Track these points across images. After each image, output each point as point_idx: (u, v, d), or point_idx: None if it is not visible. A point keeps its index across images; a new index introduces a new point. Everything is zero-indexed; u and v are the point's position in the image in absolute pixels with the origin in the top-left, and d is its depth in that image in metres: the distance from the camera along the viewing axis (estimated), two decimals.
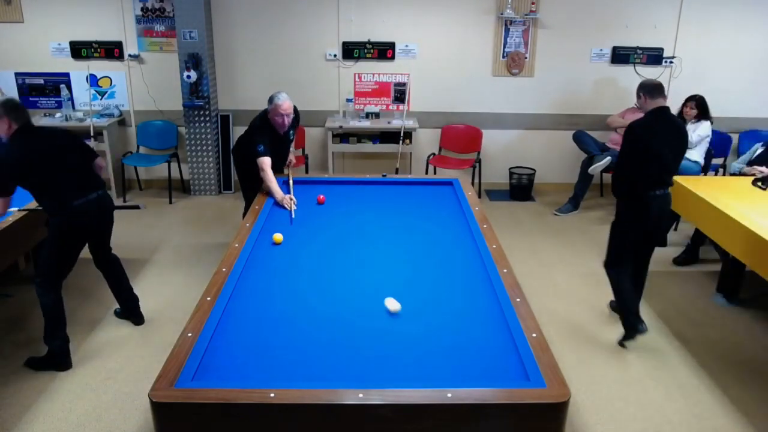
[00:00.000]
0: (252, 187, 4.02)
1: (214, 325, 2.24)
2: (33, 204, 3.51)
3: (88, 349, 3.41)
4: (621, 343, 3.53)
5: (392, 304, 2.40)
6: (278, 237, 3.04)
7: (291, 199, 3.61)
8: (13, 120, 3.03)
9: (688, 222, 4.28)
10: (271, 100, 3.94)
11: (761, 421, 2.90)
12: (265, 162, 3.81)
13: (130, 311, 3.67)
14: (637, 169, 3.32)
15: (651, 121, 3.36)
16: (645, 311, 3.89)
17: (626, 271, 3.51)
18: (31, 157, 3.03)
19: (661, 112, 3.37)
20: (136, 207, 4.11)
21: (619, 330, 3.59)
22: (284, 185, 3.87)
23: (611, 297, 3.99)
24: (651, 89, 3.41)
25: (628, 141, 3.36)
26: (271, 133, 4.02)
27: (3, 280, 4.09)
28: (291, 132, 4.25)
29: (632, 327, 3.49)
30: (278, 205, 3.64)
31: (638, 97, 3.50)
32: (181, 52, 5.59)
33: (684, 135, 3.42)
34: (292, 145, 4.47)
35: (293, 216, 3.46)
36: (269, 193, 3.75)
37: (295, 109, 4.10)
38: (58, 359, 3.22)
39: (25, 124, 3.06)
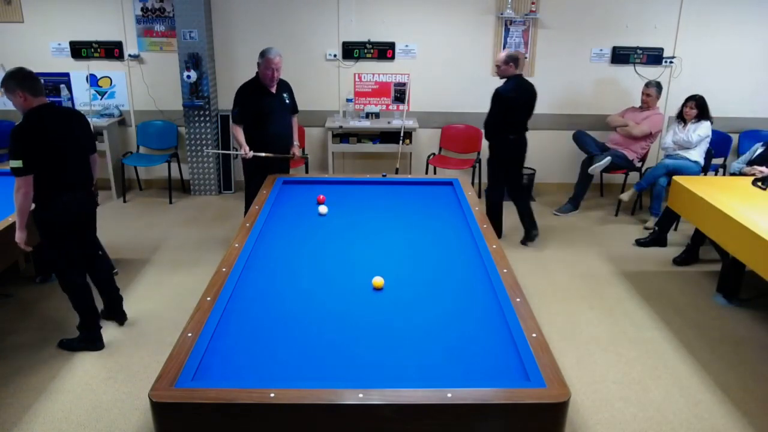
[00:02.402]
0: (256, 178, 4.18)
1: (214, 325, 2.24)
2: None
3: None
4: (523, 242, 4.97)
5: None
6: (378, 282, 2.62)
7: (247, 152, 4.21)
8: (28, 93, 2.98)
9: (688, 222, 4.28)
10: (262, 54, 4.18)
11: (761, 421, 2.90)
12: (236, 128, 4.31)
13: (113, 310, 3.63)
14: (506, 120, 4.63)
15: (515, 86, 4.61)
16: (645, 310, 3.89)
17: (502, 191, 4.91)
18: (41, 137, 2.97)
19: (520, 77, 4.67)
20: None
21: (614, 328, 3.62)
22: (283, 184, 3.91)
23: (611, 295, 4.08)
24: (517, 60, 4.61)
25: (499, 102, 4.60)
26: (257, 95, 4.24)
27: (3, 280, 4.09)
28: (285, 96, 4.40)
29: (529, 233, 4.96)
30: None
31: (506, 64, 4.59)
32: (181, 52, 5.60)
33: (534, 93, 4.69)
34: (296, 136, 4.56)
35: (235, 157, 4.27)
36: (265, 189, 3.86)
37: (287, 83, 4.45)
38: (90, 344, 3.37)
39: (42, 103, 3.03)
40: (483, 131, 4.89)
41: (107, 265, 3.65)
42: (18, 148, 2.91)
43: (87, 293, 3.36)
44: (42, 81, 3.11)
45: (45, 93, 3.12)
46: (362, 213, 3.52)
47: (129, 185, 6.19)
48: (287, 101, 4.43)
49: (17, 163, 2.91)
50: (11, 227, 3.35)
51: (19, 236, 3.13)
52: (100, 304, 3.56)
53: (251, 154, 4.24)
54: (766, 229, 3.26)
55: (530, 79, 5.91)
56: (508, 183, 4.89)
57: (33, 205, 3.14)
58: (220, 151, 4.23)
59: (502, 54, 4.67)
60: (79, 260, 3.34)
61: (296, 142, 4.55)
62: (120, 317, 3.65)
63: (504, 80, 4.67)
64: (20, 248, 3.22)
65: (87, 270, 3.47)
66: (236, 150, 4.34)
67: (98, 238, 3.62)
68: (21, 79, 2.98)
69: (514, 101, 4.59)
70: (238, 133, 4.30)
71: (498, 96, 4.61)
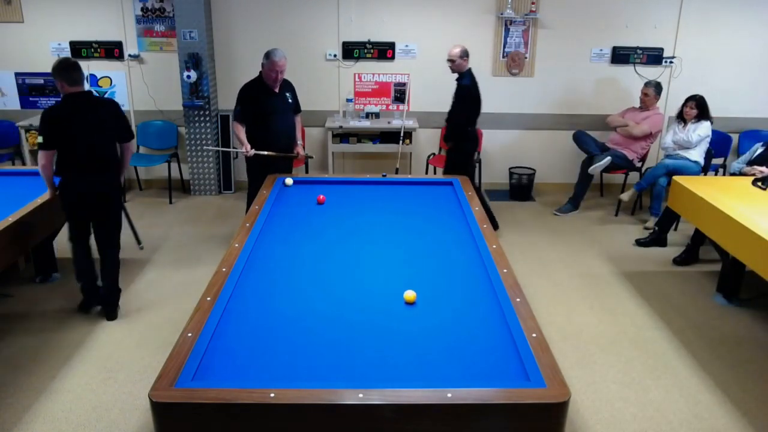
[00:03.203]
0: (259, 177, 4.19)
1: (214, 325, 2.24)
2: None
3: (88, 348, 3.41)
4: None
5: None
6: (411, 296, 2.47)
7: (248, 151, 4.23)
8: (65, 82, 3.42)
9: (688, 222, 4.28)
10: (267, 55, 4.20)
11: (761, 421, 2.90)
12: (237, 126, 4.32)
13: (107, 302, 3.73)
14: (469, 116, 4.81)
15: (473, 79, 4.74)
16: (645, 310, 3.90)
17: (474, 183, 4.75)
18: (61, 120, 3.38)
19: (471, 70, 4.75)
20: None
21: (614, 328, 3.60)
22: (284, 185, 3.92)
23: (611, 295, 4.08)
24: (469, 54, 4.74)
25: (469, 97, 4.73)
26: (261, 95, 4.27)
27: (3, 280, 4.09)
28: (288, 95, 4.43)
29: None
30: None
31: (461, 58, 4.69)
32: (181, 52, 5.60)
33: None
34: (299, 135, 4.61)
35: (235, 156, 4.10)
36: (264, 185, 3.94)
37: (290, 83, 4.48)
38: (83, 300, 3.74)
39: (77, 91, 3.43)
40: (447, 131, 5.01)
41: (115, 263, 3.75)
42: (41, 126, 3.40)
43: (81, 259, 3.67)
44: (82, 72, 3.53)
45: (83, 82, 3.53)
46: (362, 213, 3.52)
47: (129, 185, 6.19)
48: (290, 101, 4.45)
49: (40, 139, 3.42)
50: (11, 227, 3.36)
51: (49, 193, 3.67)
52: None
53: (252, 152, 4.25)
54: (766, 229, 3.26)
55: (530, 79, 6.00)
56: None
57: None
58: (220, 149, 4.26)
59: (457, 49, 4.70)
60: (83, 234, 3.65)
61: (299, 141, 4.57)
62: (111, 311, 3.71)
63: (458, 75, 4.79)
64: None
65: (100, 253, 3.71)
66: (236, 148, 4.35)
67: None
68: (60, 70, 3.42)
69: (477, 94, 4.78)
70: (240, 131, 4.33)
71: (468, 91, 4.73)
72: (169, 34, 5.78)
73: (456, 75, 4.82)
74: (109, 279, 3.71)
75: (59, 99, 3.49)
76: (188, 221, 5.40)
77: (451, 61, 4.75)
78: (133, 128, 6.06)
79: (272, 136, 4.33)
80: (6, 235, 3.32)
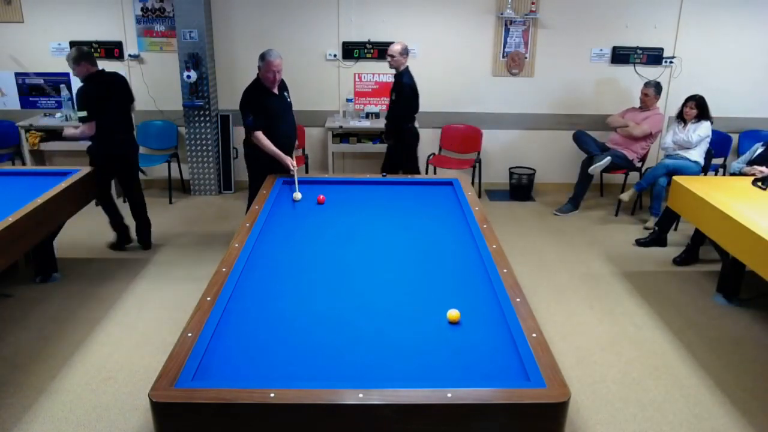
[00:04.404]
0: (261, 177, 4.14)
1: (214, 325, 2.24)
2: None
3: (88, 349, 3.41)
4: None
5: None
6: (454, 315, 2.32)
7: (294, 166, 4.11)
8: (90, 64, 4.23)
9: (688, 222, 4.28)
10: (262, 57, 4.14)
11: (761, 421, 2.90)
12: (258, 134, 4.19)
13: (141, 235, 4.72)
14: (409, 113, 5.02)
15: (411, 76, 4.93)
16: (645, 310, 3.90)
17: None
18: (101, 92, 4.23)
19: (408, 68, 4.92)
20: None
21: (614, 328, 3.60)
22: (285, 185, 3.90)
23: (611, 295, 4.07)
24: (408, 52, 4.91)
25: (411, 93, 4.92)
26: (263, 97, 4.22)
27: (3, 280, 4.09)
28: (286, 95, 4.43)
29: None
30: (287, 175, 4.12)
31: (401, 55, 4.84)
32: (181, 52, 5.60)
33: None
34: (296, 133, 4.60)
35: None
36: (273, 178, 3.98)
37: (283, 80, 4.41)
38: (117, 240, 4.68)
39: (97, 70, 4.27)
40: (389, 126, 5.12)
41: (141, 207, 4.66)
42: (83, 102, 4.19)
43: (111, 205, 4.55)
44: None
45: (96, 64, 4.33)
46: (362, 213, 3.52)
47: None
48: (288, 100, 4.45)
49: (83, 114, 4.20)
50: (11, 227, 3.36)
51: (67, 133, 4.46)
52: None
53: (296, 167, 4.13)
54: (766, 229, 3.26)
55: (530, 79, 6.00)
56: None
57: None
58: (295, 179, 3.85)
59: (398, 46, 4.83)
60: (108, 184, 4.50)
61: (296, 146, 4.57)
62: (145, 241, 4.72)
63: (396, 72, 4.95)
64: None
65: (129, 201, 4.66)
66: (292, 175, 4.02)
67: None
68: (84, 56, 4.22)
69: (416, 91, 4.98)
70: (268, 141, 4.17)
71: (409, 88, 4.92)
72: (169, 34, 5.78)
73: (393, 71, 4.99)
74: (140, 217, 4.63)
75: (84, 82, 4.24)
76: (188, 221, 5.40)
77: (390, 56, 4.86)
78: (134, 128, 6.07)
79: (281, 137, 4.26)
80: (6, 234, 3.31)
